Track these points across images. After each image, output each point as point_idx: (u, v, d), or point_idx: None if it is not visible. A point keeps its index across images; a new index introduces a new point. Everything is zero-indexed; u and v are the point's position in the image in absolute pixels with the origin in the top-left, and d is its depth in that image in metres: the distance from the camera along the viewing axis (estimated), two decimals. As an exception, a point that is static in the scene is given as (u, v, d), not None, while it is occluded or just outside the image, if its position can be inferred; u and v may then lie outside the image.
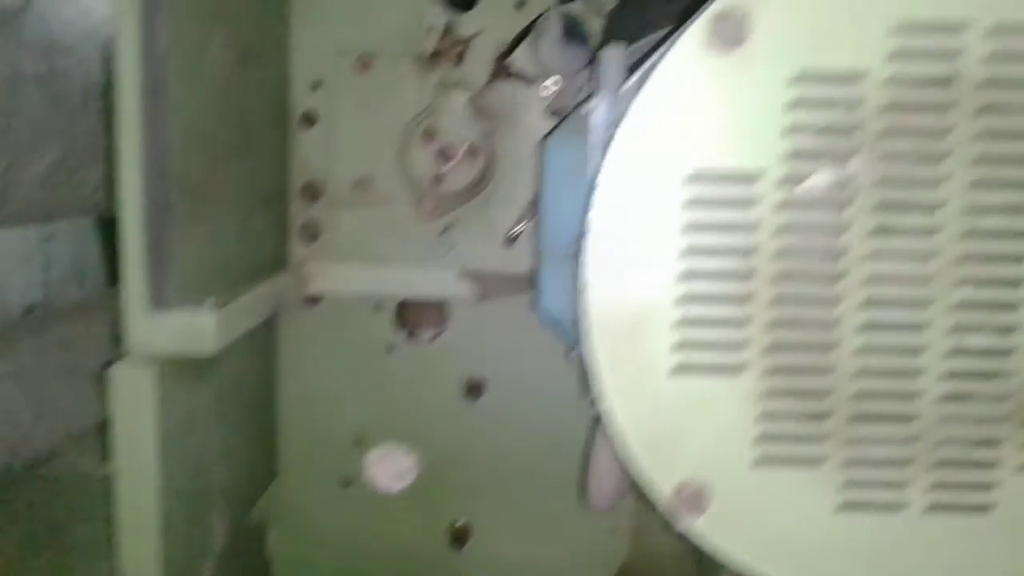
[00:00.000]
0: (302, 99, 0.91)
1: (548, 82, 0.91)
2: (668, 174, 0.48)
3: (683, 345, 0.49)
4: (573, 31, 0.89)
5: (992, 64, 0.47)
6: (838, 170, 0.48)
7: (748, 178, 0.48)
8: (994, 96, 0.47)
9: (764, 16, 0.47)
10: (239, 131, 0.74)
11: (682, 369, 0.49)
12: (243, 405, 0.82)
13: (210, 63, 0.66)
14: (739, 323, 0.49)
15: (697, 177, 0.48)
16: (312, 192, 0.93)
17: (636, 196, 0.48)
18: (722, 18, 0.47)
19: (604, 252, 0.48)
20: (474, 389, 0.95)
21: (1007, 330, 0.49)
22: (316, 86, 0.91)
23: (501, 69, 0.93)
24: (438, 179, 0.91)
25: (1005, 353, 0.50)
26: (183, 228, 0.61)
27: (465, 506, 0.96)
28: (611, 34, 0.84)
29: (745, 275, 0.49)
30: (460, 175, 0.92)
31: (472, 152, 0.91)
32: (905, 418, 0.50)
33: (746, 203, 0.48)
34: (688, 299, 0.49)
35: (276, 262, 0.89)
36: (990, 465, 0.51)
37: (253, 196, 0.80)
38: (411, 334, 0.95)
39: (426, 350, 0.95)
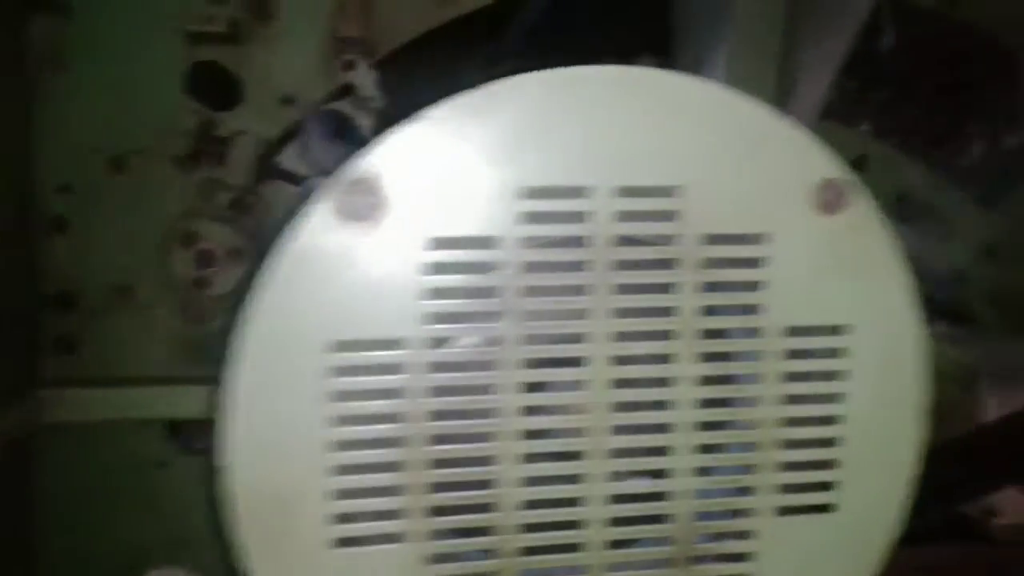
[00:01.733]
0: (50, 204, 0.86)
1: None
2: (308, 344, 0.47)
3: (341, 517, 0.48)
4: (342, 129, 0.88)
5: (619, 223, 0.48)
6: (484, 331, 0.48)
7: (391, 344, 0.47)
8: (623, 253, 0.48)
9: (395, 185, 0.46)
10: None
11: (342, 542, 0.48)
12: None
13: None
14: (396, 490, 0.48)
15: (339, 346, 0.47)
16: (66, 302, 0.88)
17: (275, 368, 0.46)
18: (353, 188, 0.46)
19: (245, 429, 0.46)
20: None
21: (660, 474, 0.50)
22: (65, 189, 0.87)
23: (267, 169, 0.90)
24: (201, 283, 0.88)
25: (662, 497, 0.50)
26: None
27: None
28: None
29: (398, 441, 0.48)
30: (225, 278, 0.88)
31: (236, 254, 0.88)
32: (576, 570, 0.50)
33: (392, 368, 0.47)
34: (341, 470, 0.47)
35: (23, 381, 0.83)
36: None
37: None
38: (184, 447, 0.91)
39: (202, 462, 0.91)
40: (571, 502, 0.50)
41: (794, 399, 0.51)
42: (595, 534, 0.50)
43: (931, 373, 0.55)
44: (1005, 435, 0.82)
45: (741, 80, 0.90)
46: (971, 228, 1.25)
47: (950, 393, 0.85)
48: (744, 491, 0.52)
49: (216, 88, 0.88)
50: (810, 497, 0.52)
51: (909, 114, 1.27)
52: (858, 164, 1.23)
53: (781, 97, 1.13)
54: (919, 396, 0.53)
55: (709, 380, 0.50)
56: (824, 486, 0.52)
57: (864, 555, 0.54)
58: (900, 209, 1.25)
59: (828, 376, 0.52)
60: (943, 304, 1.20)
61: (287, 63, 0.88)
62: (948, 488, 0.77)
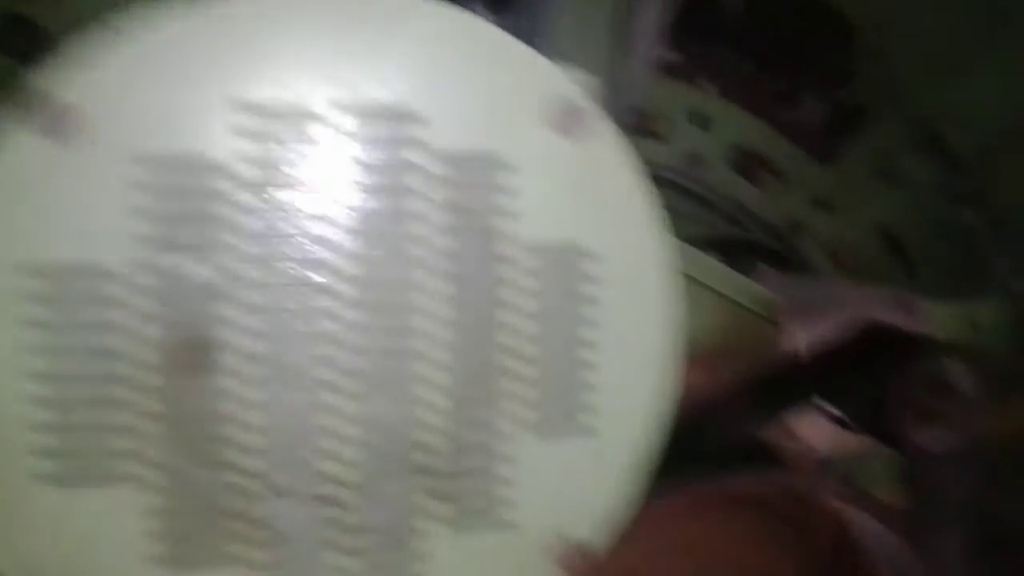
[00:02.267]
0: None
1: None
2: (5, 267, 0.44)
3: (52, 453, 0.46)
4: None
5: (350, 145, 0.47)
6: (205, 258, 0.46)
7: (100, 272, 0.45)
8: (356, 177, 0.47)
9: (99, 101, 0.44)
10: None
11: (52, 480, 0.46)
12: None
13: None
14: (121, 429, 0.46)
15: (40, 270, 0.45)
16: None
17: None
18: (47, 104, 0.44)
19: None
20: None
21: (410, 402, 0.50)
22: None
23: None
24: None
25: (413, 425, 0.50)
26: None
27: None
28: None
29: (117, 377, 0.46)
30: None
31: None
32: (327, 503, 0.50)
33: (104, 301, 0.45)
34: (52, 403, 0.45)
35: None
36: (415, 533, 0.51)
37: None
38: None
39: None
40: (318, 434, 0.49)
41: (543, 324, 0.52)
42: (343, 468, 0.49)
43: (683, 297, 0.56)
44: (808, 364, 0.85)
45: (574, 31, 0.91)
46: (806, 182, 1.29)
47: (765, 328, 0.88)
48: (495, 415, 0.52)
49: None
50: (568, 420, 0.53)
51: (749, 73, 1.30)
52: (701, 120, 1.26)
53: (616, 51, 1.15)
54: (670, 323, 0.54)
55: (455, 305, 0.50)
56: (579, 410, 0.53)
57: (624, 478, 0.55)
58: (740, 163, 1.29)
59: (576, 301, 0.52)
60: (779, 252, 1.24)
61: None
62: (756, 415, 0.80)
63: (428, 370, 0.50)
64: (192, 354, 0.47)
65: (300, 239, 0.47)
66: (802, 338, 0.88)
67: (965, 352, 0.80)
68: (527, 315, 0.51)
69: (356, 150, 0.48)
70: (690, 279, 0.85)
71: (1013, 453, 0.98)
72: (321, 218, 0.47)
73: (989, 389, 0.80)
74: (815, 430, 0.88)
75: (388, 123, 0.48)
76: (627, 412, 0.55)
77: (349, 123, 0.47)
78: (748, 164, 1.28)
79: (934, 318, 0.90)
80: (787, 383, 0.84)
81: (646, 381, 0.55)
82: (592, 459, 0.53)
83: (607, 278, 0.53)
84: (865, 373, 0.80)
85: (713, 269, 0.87)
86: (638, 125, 1.22)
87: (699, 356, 0.86)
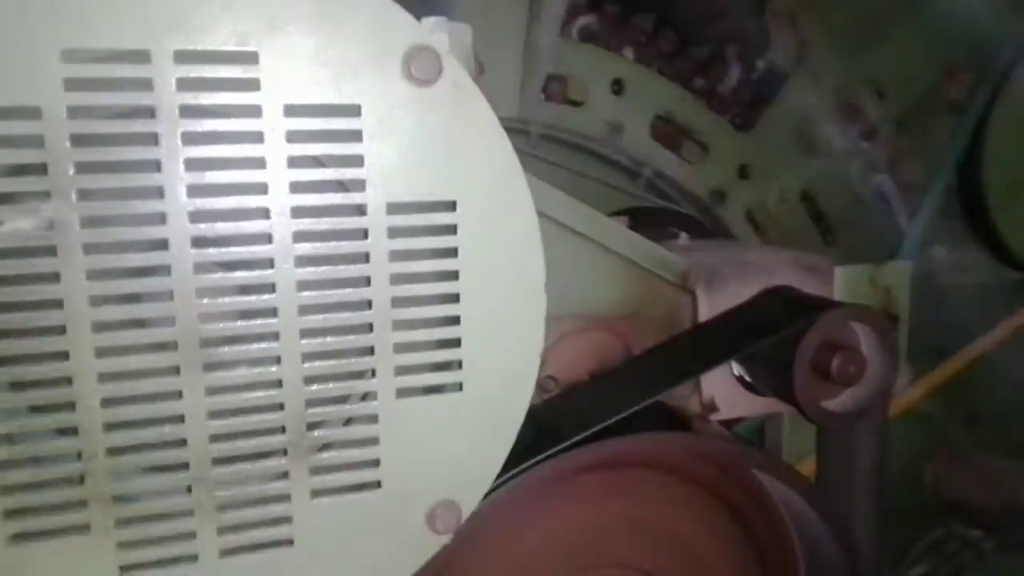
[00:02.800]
0: None
1: None
2: None
3: None
4: None
5: (191, 92, 0.44)
6: (41, 212, 0.43)
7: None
8: (198, 125, 0.45)
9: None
10: None
11: None
12: None
13: None
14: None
15: None
16: None
17: None
18: None
19: None
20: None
21: (264, 362, 0.48)
22: None
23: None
24: None
25: (268, 385, 0.48)
26: None
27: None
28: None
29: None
30: None
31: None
32: (176, 466, 0.47)
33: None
34: None
35: None
36: (283, 498, 0.49)
37: None
38: None
39: None
40: (165, 396, 0.46)
41: (406, 278, 0.50)
42: (199, 427, 0.47)
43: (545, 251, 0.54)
44: (716, 328, 0.85)
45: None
46: (726, 150, 1.30)
47: (676, 294, 0.88)
48: (361, 375, 0.50)
49: None
50: (432, 377, 0.51)
51: (669, 41, 1.29)
52: (620, 88, 1.25)
53: (530, 15, 1.13)
54: (535, 273, 0.53)
55: (309, 263, 0.48)
56: (446, 366, 0.52)
57: (495, 433, 0.54)
58: (661, 131, 1.28)
59: (438, 253, 0.51)
60: (700, 221, 1.25)
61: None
62: (665, 379, 0.79)
63: (284, 328, 0.48)
64: (29, 315, 0.44)
65: (135, 195, 0.44)
66: (710, 303, 0.88)
67: (868, 313, 0.81)
68: (385, 270, 0.49)
69: (200, 99, 0.45)
70: (601, 247, 0.85)
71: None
72: (159, 168, 0.44)
73: (892, 350, 0.81)
74: (724, 394, 0.88)
75: (230, 69, 0.45)
76: (491, 368, 0.53)
77: (187, 70, 0.44)
78: (669, 133, 1.28)
79: (839, 280, 0.91)
80: (696, 347, 0.84)
81: (510, 335, 0.53)
82: (457, 417, 0.52)
83: (466, 228, 0.51)
84: (772, 336, 0.80)
85: (624, 236, 0.86)
86: (556, 91, 1.20)
87: (609, 321, 0.86)
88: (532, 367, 0.54)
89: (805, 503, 0.84)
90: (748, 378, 0.88)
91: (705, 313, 0.87)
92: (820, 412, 0.80)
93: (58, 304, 0.44)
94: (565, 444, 0.68)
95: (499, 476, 0.60)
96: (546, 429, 0.73)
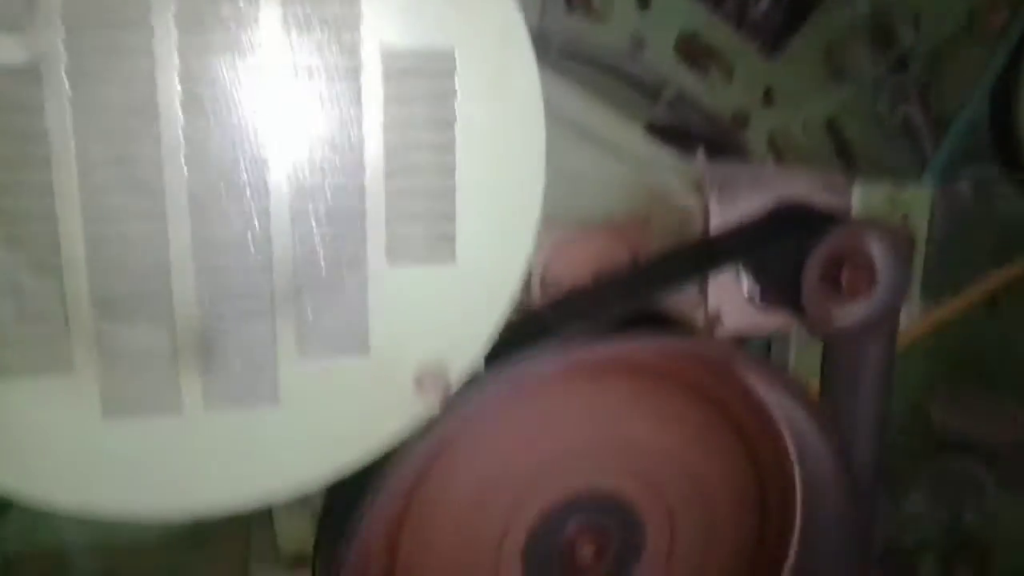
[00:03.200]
0: None
1: None
2: None
3: None
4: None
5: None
6: (26, 41, 0.42)
7: None
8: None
9: None
10: None
11: None
12: None
13: None
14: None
15: None
16: None
17: None
18: None
19: None
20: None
21: (251, 215, 0.47)
22: None
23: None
24: None
25: (256, 242, 0.47)
26: None
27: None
28: None
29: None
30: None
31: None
32: (161, 313, 0.47)
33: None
34: None
35: None
36: (269, 355, 0.49)
37: None
38: None
39: None
40: (151, 237, 0.46)
41: (398, 135, 0.48)
42: (185, 275, 0.46)
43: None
44: (725, 237, 0.84)
45: None
46: (752, 73, 1.26)
47: (686, 205, 0.87)
48: (350, 240, 0.49)
49: None
50: (425, 245, 0.50)
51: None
52: (643, 1, 1.21)
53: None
54: (535, 141, 0.51)
55: (302, 114, 0.46)
56: (439, 234, 0.50)
57: (487, 304, 0.53)
58: (685, 50, 1.24)
59: (435, 104, 0.49)
60: (720, 143, 1.22)
61: None
62: (668, 283, 0.78)
63: (273, 183, 0.47)
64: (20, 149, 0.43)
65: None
66: (722, 213, 0.86)
67: (883, 227, 0.78)
68: (380, 126, 0.47)
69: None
70: (611, 148, 0.83)
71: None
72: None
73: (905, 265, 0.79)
74: (731, 308, 0.87)
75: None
76: (485, 239, 0.52)
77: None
78: (693, 52, 1.24)
79: (858, 198, 0.88)
80: (703, 252, 0.82)
81: (513, 206, 0.52)
82: (449, 286, 0.51)
83: (464, 83, 0.49)
84: (783, 248, 0.79)
85: (636, 140, 0.84)
86: (578, 3, 1.17)
87: (617, 227, 0.85)
88: (528, 240, 0.52)
89: (807, 420, 0.83)
90: (757, 294, 0.87)
91: (717, 223, 0.85)
92: (828, 324, 0.79)
93: (43, 137, 0.43)
94: (556, 341, 0.66)
95: (490, 373, 0.59)
96: (541, 328, 0.72)
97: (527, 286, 0.83)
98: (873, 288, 0.79)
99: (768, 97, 1.27)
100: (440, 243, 0.50)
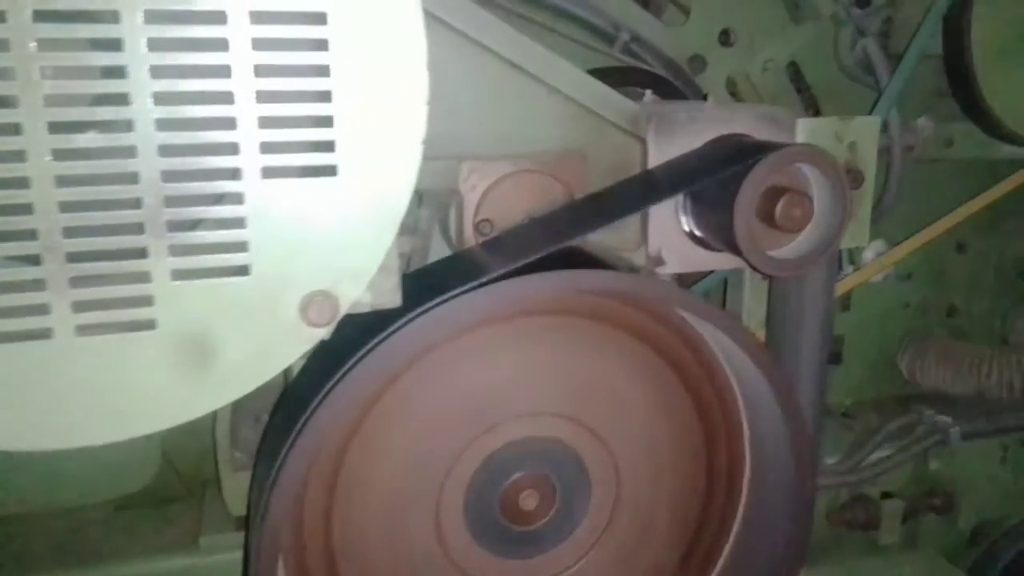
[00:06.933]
0: None
1: None
2: None
3: None
4: None
5: None
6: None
7: None
8: None
9: None
10: None
11: None
12: None
13: None
14: None
15: None
16: None
17: None
18: None
19: None
20: None
21: (115, 127, 0.45)
22: None
23: None
24: None
25: (120, 153, 0.45)
26: None
27: None
28: None
29: None
30: None
31: None
32: (23, 233, 0.45)
33: None
34: None
35: None
36: (141, 276, 0.47)
37: None
38: None
39: None
40: (11, 157, 0.44)
41: (271, 48, 0.46)
42: (48, 194, 0.44)
43: None
44: (667, 174, 0.82)
45: None
46: (710, 14, 1.23)
47: (624, 142, 0.84)
48: (225, 149, 0.47)
49: None
50: (302, 158, 0.48)
51: None
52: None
53: None
54: (416, 52, 0.49)
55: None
56: (317, 146, 0.48)
57: (374, 222, 0.51)
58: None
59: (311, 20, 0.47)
60: (675, 85, 1.19)
61: None
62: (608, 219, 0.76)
63: (134, 89, 0.45)
64: None
65: None
66: (659, 149, 0.84)
67: (816, 153, 0.76)
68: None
69: None
70: (545, 84, 0.80)
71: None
72: None
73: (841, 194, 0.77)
74: (672, 247, 0.85)
75: None
76: (368, 153, 0.49)
77: None
78: (647, -6, 1.21)
79: (802, 131, 0.86)
80: (637, 188, 0.80)
81: (388, 117, 0.49)
82: (331, 202, 0.49)
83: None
84: (716, 174, 0.76)
85: (570, 75, 0.81)
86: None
87: (552, 164, 0.82)
88: (413, 155, 0.50)
89: (749, 360, 0.81)
90: (698, 232, 0.85)
91: (655, 159, 0.82)
92: (763, 258, 0.76)
93: None
94: (483, 280, 0.64)
95: (417, 313, 0.57)
96: (474, 268, 0.70)
97: (459, 226, 0.81)
98: (809, 219, 0.77)
99: (726, 38, 1.24)
100: (318, 155, 0.48)
